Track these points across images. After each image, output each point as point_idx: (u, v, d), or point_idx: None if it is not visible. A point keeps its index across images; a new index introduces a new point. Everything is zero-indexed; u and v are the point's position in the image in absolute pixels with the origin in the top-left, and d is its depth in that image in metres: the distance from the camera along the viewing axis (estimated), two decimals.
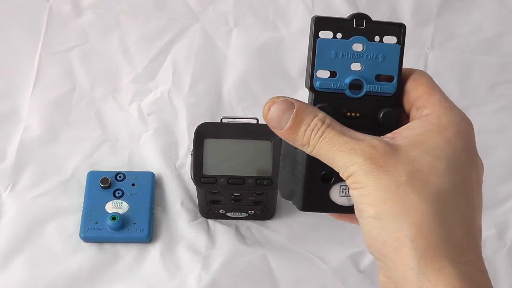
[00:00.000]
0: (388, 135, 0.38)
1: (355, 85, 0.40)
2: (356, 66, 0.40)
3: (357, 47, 0.40)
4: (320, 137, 0.38)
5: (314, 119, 0.38)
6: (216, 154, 0.63)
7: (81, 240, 0.70)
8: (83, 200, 0.71)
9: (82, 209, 0.70)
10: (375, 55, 0.39)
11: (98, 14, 0.84)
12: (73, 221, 0.71)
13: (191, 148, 0.64)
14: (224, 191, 0.65)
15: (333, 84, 0.40)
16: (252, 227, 0.72)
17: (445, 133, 0.37)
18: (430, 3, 0.86)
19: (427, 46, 0.84)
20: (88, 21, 0.83)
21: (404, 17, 0.84)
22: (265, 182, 0.63)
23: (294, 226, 0.73)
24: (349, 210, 0.41)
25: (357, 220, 0.40)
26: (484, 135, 0.77)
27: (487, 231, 0.72)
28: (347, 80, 0.39)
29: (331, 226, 0.72)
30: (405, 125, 0.39)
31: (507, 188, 0.76)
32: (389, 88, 0.40)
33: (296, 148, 0.40)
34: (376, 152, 0.36)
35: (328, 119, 0.38)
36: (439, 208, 0.35)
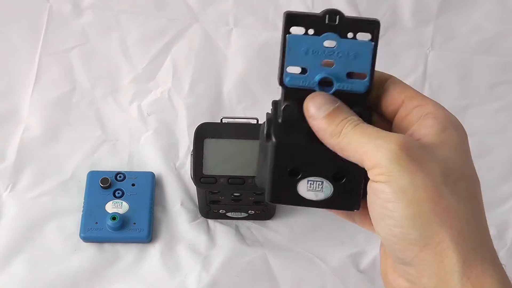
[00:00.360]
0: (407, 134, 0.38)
1: (326, 82, 0.39)
2: (328, 63, 0.39)
3: (330, 43, 0.39)
4: (353, 127, 0.37)
5: (352, 116, 0.38)
6: (216, 154, 0.63)
7: (81, 240, 0.70)
8: (83, 200, 0.71)
9: (82, 209, 0.70)
10: (346, 52, 0.39)
11: (98, 14, 0.84)
12: (73, 221, 0.71)
13: (191, 148, 0.64)
14: (224, 191, 0.65)
15: (302, 81, 0.39)
16: (252, 227, 0.72)
17: (460, 131, 0.38)
18: (430, 3, 0.86)
19: (427, 46, 0.84)
20: (88, 21, 0.83)
21: (404, 17, 0.84)
22: None
23: (294, 226, 0.73)
24: (316, 204, 0.41)
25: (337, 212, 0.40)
26: (484, 135, 0.77)
27: None
28: (317, 78, 0.39)
29: (331, 226, 0.72)
30: (417, 124, 0.38)
31: (507, 188, 0.76)
32: (360, 86, 0.39)
33: (266, 141, 0.40)
34: (410, 142, 0.36)
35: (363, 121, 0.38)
36: (474, 211, 0.35)
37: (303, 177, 0.40)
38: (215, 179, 0.63)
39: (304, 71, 0.39)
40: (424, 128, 0.37)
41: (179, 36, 0.83)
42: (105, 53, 0.82)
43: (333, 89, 0.39)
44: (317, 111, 0.38)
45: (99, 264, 0.69)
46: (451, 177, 0.35)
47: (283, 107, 0.39)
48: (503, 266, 0.36)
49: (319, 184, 0.40)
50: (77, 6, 0.84)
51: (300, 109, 0.39)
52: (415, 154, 0.35)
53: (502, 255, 0.71)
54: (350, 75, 0.39)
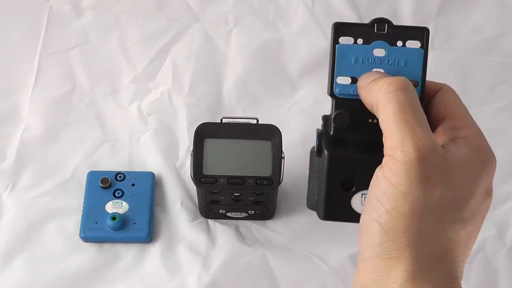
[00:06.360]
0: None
1: None
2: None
3: (379, 52, 0.39)
4: (398, 92, 0.36)
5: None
6: (216, 154, 0.63)
7: (81, 240, 0.70)
8: (83, 200, 0.71)
9: (82, 209, 0.70)
10: (397, 60, 0.38)
11: (98, 14, 0.84)
12: (73, 221, 0.71)
13: (191, 148, 0.64)
14: (224, 191, 0.65)
15: (353, 90, 0.39)
16: (252, 227, 0.72)
17: (484, 169, 0.39)
18: (430, 3, 0.86)
19: None
20: (88, 21, 0.83)
21: (404, 17, 0.84)
22: (265, 182, 0.63)
23: (294, 226, 0.73)
24: None
25: None
26: (484, 135, 0.77)
27: (487, 231, 0.72)
28: None
29: (331, 226, 0.72)
30: (448, 145, 0.38)
31: (507, 188, 0.76)
32: None
33: (318, 156, 0.40)
34: (432, 155, 0.35)
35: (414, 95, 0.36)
36: (446, 246, 0.36)
37: (357, 190, 0.40)
38: (215, 179, 0.63)
39: (354, 80, 0.39)
40: (455, 146, 0.38)
41: (179, 36, 0.83)
42: (105, 53, 0.82)
43: None
44: (367, 79, 0.37)
45: (99, 264, 0.69)
46: (444, 207, 0.35)
47: (334, 114, 0.39)
48: None
49: None
50: (77, 6, 0.84)
51: (351, 117, 0.38)
52: (428, 170, 0.35)
53: (502, 255, 0.71)
54: None
